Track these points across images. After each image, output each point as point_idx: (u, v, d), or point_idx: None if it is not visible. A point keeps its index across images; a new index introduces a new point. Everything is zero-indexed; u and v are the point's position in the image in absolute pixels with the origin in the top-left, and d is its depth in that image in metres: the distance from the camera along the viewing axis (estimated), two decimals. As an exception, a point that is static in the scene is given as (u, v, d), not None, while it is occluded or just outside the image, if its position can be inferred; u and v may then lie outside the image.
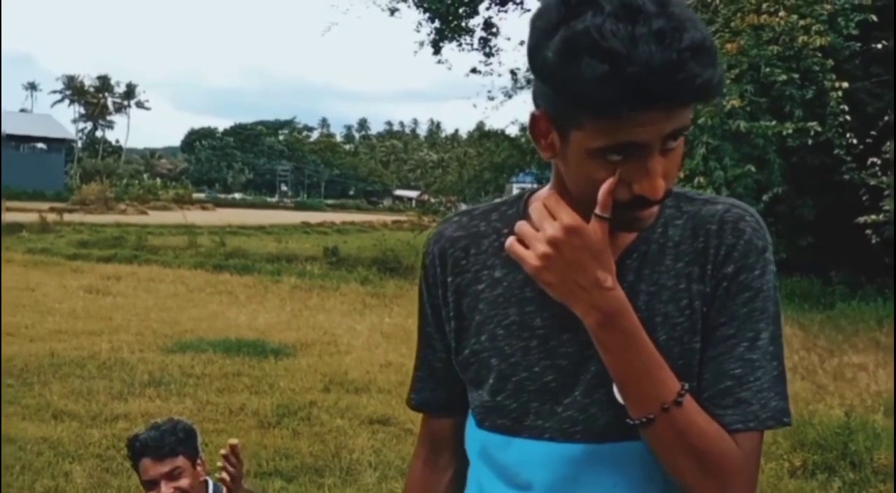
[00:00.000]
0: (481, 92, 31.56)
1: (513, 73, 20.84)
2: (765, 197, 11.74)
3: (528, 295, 1.31)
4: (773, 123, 12.04)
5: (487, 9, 20.84)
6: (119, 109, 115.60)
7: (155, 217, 42.21)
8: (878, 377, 8.47)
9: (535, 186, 1.43)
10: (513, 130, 21.27)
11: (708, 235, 1.27)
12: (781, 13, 12.17)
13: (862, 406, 7.29)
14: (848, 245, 14.20)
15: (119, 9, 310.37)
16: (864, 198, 12.68)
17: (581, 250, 1.16)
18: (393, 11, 20.80)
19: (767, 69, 12.02)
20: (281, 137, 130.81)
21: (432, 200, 24.00)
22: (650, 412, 1.19)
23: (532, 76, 1.22)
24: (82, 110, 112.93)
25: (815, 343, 10.16)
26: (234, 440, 2.99)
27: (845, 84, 11.97)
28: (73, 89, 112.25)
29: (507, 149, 20.04)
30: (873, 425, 6.44)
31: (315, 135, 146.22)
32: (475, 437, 1.40)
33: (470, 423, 1.42)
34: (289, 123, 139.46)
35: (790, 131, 11.90)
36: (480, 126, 25.67)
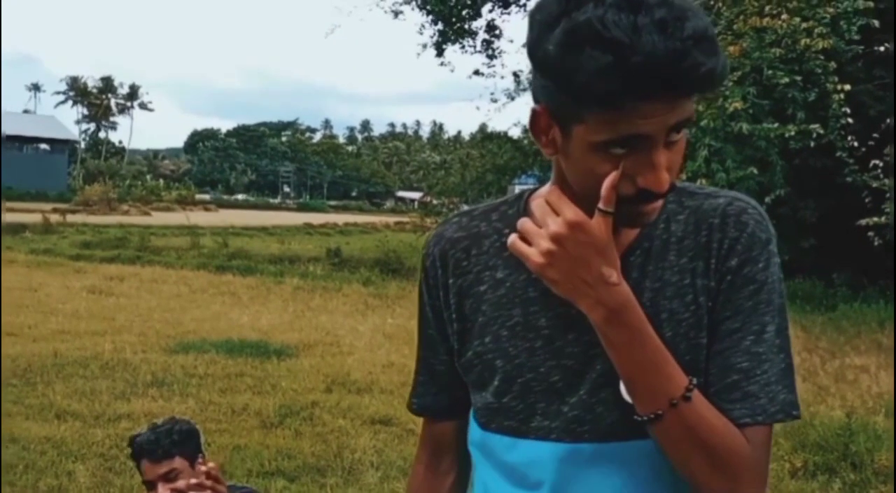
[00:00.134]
0: (484, 94, 31.50)
1: (515, 75, 20.90)
2: (767, 199, 11.75)
3: (531, 295, 1.30)
4: (776, 125, 12.06)
5: (490, 11, 20.90)
6: (122, 110, 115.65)
7: (158, 218, 42.25)
8: (879, 379, 8.47)
9: (536, 184, 1.41)
10: (515, 132, 21.32)
11: (711, 229, 1.26)
12: (784, 16, 12.19)
13: (863, 408, 7.30)
14: (850, 247, 14.21)
15: (123, 11, 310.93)
16: (866, 200, 12.69)
17: (585, 245, 1.15)
18: (396, 14, 20.87)
19: (770, 72, 12.05)
20: (284, 139, 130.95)
21: (435, 201, 24.01)
22: (658, 408, 1.18)
23: (532, 74, 1.21)
24: (85, 111, 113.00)
25: (817, 345, 10.16)
26: (211, 464, 2.98)
27: (847, 87, 11.99)
28: (77, 90, 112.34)
29: (509, 151, 20.07)
30: (874, 426, 6.45)
31: (318, 136, 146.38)
32: (480, 440, 1.38)
33: (472, 425, 1.41)
34: (292, 125, 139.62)
35: (792, 134, 11.92)
36: (483, 128, 25.80)
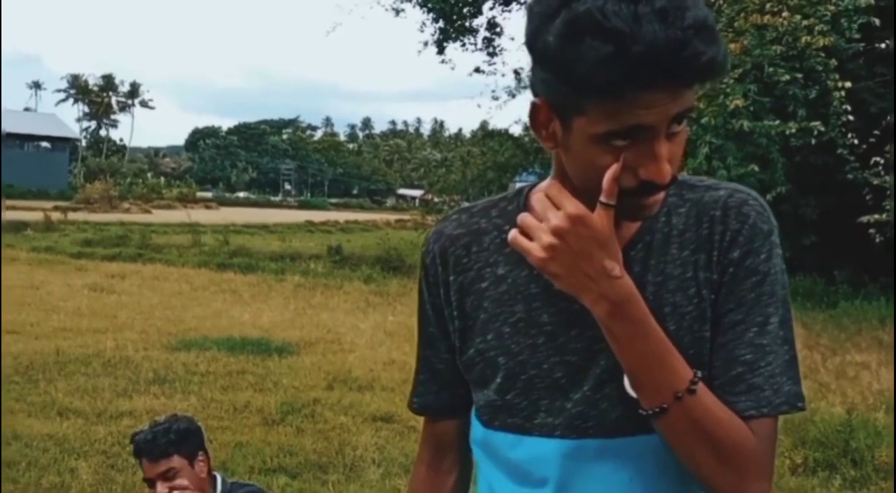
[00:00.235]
0: (485, 92, 31.62)
1: (516, 72, 20.90)
2: (768, 196, 11.73)
3: (533, 291, 1.29)
4: (777, 122, 12.06)
5: (491, 9, 20.89)
6: (123, 108, 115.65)
7: (159, 216, 42.26)
8: (880, 376, 8.48)
9: (536, 180, 1.40)
10: (516, 130, 21.36)
11: (712, 221, 1.25)
12: (785, 13, 12.19)
13: (863, 404, 7.31)
14: (851, 244, 14.21)
15: (123, 9, 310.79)
16: (867, 197, 12.70)
17: (587, 239, 1.13)
18: (398, 12, 20.87)
19: (771, 69, 12.04)
20: (284, 136, 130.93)
21: (436, 199, 24.05)
22: (663, 402, 1.17)
23: (531, 67, 1.20)
24: (86, 109, 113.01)
25: (818, 342, 10.17)
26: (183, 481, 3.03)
27: (848, 84, 12.00)
28: (78, 88, 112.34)
29: (510, 148, 20.09)
30: (874, 423, 6.46)
31: (319, 134, 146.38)
32: (482, 438, 1.37)
33: (475, 424, 1.40)
34: (292, 123, 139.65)
35: (793, 131, 11.92)
36: (484, 125, 25.76)
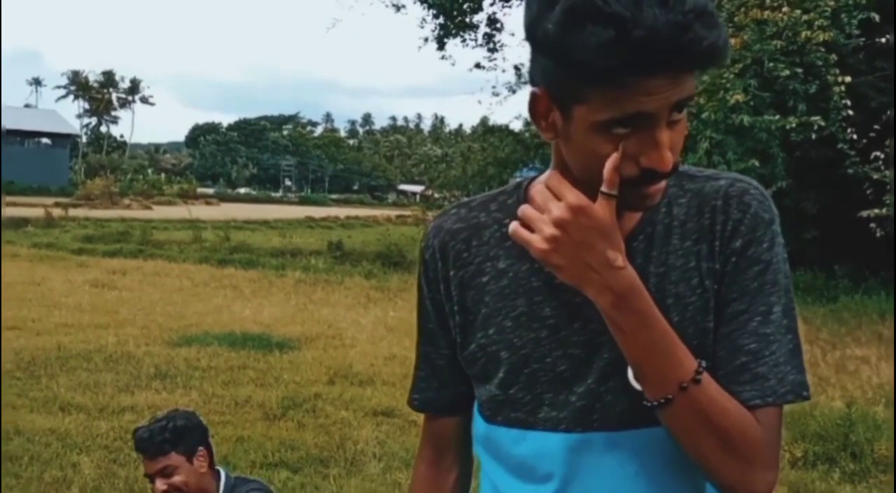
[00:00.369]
0: (485, 87, 31.76)
1: (517, 68, 20.90)
2: (768, 191, 11.74)
3: (535, 285, 1.28)
4: (777, 117, 12.08)
5: (491, 5, 20.87)
6: (123, 104, 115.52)
7: (159, 212, 42.22)
8: (880, 370, 8.50)
9: (534, 174, 1.40)
10: (517, 126, 21.33)
11: (714, 211, 1.24)
12: (785, 8, 12.20)
13: (863, 398, 7.32)
14: (851, 239, 14.22)
15: (124, 6, 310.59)
16: (867, 192, 12.71)
17: (589, 229, 1.12)
18: (398, 8, 20.88)
19: (771, 64, 12.05)
20: (285, 133, 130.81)
21: (436, 195, 24.07)
22: (668, 393, 1.15)
23: (530, 57, 1.19)
24: (87, 106, 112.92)
25: (818, 336, 10.18)
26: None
27: (848, 79, 12.00)
28: (78, 85, 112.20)
29: (510, 144, 20.09)
30: (874, 416, 6.48)
31: (319, 130, 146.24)
32: (485, 433, 1.36)
33: (477, 419, 1.38)
34: (293, 119, 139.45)
35: (793, 126, 11.93)
36: (484, 121, 25.74)
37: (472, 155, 22.25)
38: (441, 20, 20.73)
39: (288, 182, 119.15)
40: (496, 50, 21.04)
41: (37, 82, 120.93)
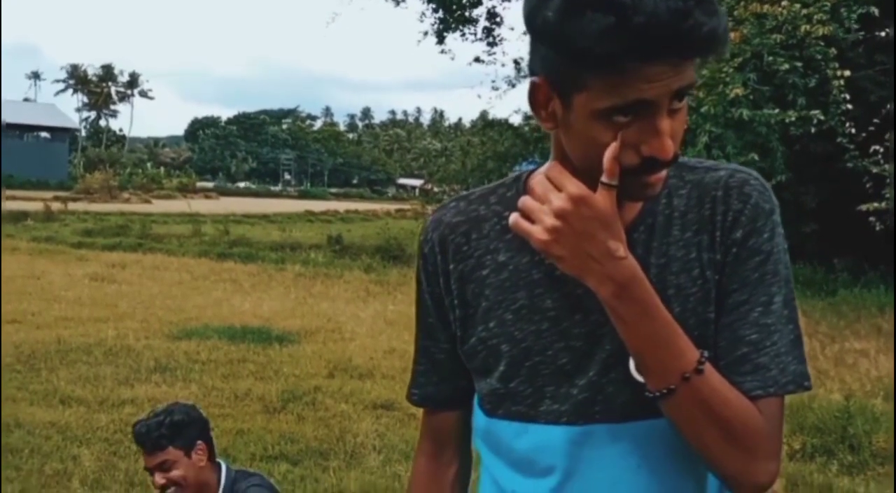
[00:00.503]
0: (485, 81, 31.62)
1: (516, 62, 20.90)
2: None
3: (535, 277, 1.27)
4: (776, 111, 12.09)
5: (491, -1, 20.87)
6: (122, 98, 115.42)
7: (159, 206, 42.31)
8: (878, 363, 8.51)
9: (533, 167, 1.40)
10: (516, 119, 21.36)
11: (714, 201, 1.24)
12: (784, 2, 12.21)
13: (861, 391, 7.33)
14: (851, 233, 14.23)
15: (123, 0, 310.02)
16: (867, 185, 12.72)
17: (590, 219, 1.11)
18: (398, 2, 20.87)
19: (770, 58, 12.06)
20: (284, 126, 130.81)
21: (436, 188, 24.05)
22: (670, 383, 1.15)
23: (530, 46, 1.18)
24: (86, 99, 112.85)
25: (817, 329, 10.19)
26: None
27: (847, 72, 12.02)
28: (77, 78, 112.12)
29: (510, 138, 20.08)
30: (872, 409, 6.48)
31: (318, 124, 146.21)
32: (485, 427, 1.35)
33: (477, 413, 1.38)
34: (292, 112, 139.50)
35: (793, 120, 11.95)
36: (484, 115, 25.79)
37: (472, 149, 22.24)
38: (440, 14, 20.74)
39: (287, 176, 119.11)
40: (496, 44, 21.07)
41: (36, 76, 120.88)
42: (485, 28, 20.99)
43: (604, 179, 1.12)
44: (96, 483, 5.19)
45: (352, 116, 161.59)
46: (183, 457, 3.08)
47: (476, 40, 21.14)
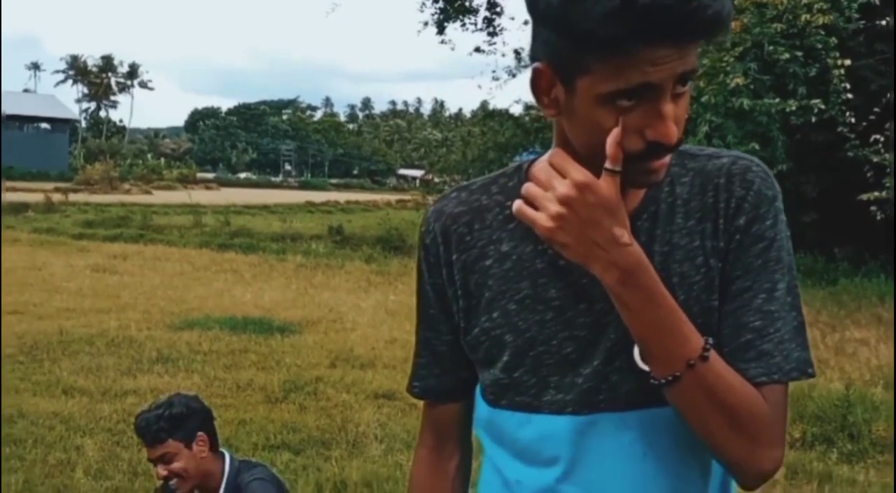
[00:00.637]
0: (485, 71, 31.66)
1: (517, 52, 20.90)
2: (768, 174, 11.78)
3: (539, 267, 1.26)
4: (777, 100, 12.09)
5: (491, -12, 20.83)
6: (122, 89, 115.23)
7: (159, 197, 42.27)
8: (878, 352, 8.53)
9: (533, 157, 1.40)
10: (517, 110, 21.33)
11: (717, 189, 1.23)
12: (784, -9, 12.17)
13: (861, 380, 7.35)
14: (851, 222, 14.24)
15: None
16: (867, 175, 12.72)
17: (595, 206, 1.10)
18: (398, -8, 20.80)
19: (771, 47, 12.06)
20: (284, 117, 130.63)
21: (436, 179, 24.07)
22: (675, 370, 1.14)
23: (532, 32, 1.18)
24: (86, 90, 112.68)
25: (817, 318, 10.20)
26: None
27: (848, 62, 12.01)
28: (77, 69, 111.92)
29: (510, 128, 20.07)
30: (872, 398, 6.50)
31: (319, 114, 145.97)
32: (488, 418, 1.35)
33: (480, 404, 1.36)
34: (292, 103, 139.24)
35: (794, 109, 11.95)
36: (484, 105, 25.80)
37: (472, 139, 22.25)
38: (441, 4, 20.71)
39: (288, 167, 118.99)
40: (496, 34, 21.04)
41: (35, 67, 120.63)
42: (485, 18, 20.98)
43: (607, 164, 1.11)
44: (100, 473, 5.21)
45: (352, 107, 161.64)
46: (184, 449, 3.09)
47: (476, 30, 21.12)
